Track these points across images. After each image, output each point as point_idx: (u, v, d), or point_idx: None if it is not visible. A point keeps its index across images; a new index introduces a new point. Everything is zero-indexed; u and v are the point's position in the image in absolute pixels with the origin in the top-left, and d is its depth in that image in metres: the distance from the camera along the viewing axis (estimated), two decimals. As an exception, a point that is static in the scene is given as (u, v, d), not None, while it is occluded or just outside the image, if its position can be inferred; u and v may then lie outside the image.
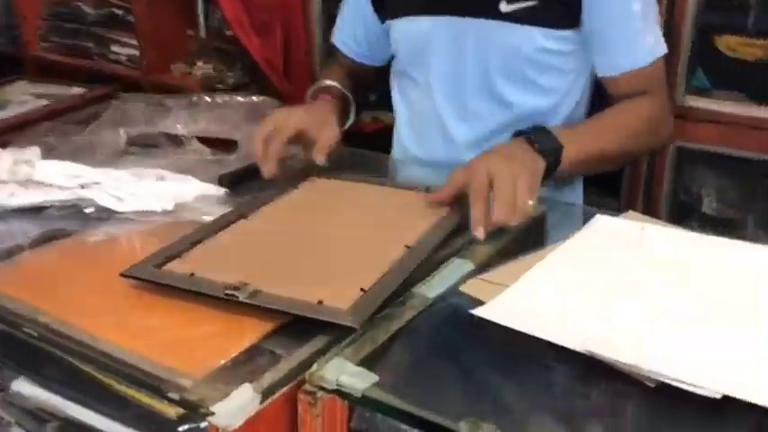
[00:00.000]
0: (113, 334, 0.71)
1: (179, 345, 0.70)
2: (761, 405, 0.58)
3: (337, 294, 0.72)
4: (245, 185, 1.05)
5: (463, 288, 0.78)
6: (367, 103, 1.39)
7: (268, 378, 0.64)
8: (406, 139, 1.26)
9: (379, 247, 0.84)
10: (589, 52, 1.10)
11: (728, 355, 0.65)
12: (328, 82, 1.19)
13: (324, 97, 1.17)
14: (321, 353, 0.67)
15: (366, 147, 1.58)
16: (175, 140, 1.19)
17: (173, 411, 0.63)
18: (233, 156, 1.14)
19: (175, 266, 0.80)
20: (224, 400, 0.61)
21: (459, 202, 0.92)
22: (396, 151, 1.31)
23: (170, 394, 0.62)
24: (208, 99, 1.33)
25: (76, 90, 1.46)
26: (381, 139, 1.52)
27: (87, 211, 0.97)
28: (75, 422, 0.73)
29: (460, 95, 1.15)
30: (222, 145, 1.18)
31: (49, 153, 1.07)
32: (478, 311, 0.72)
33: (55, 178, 0.98)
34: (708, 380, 0.60)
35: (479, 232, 0.86)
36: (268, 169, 1.02)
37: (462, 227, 0.89)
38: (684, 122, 1.49)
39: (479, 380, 0.66)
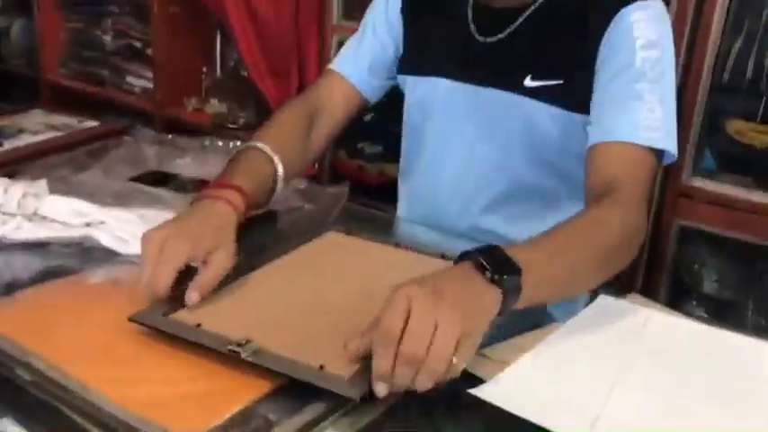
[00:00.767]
0: (107, 384, 0.70)
1: (173, 401, 0.69)
2: None
3: (340, 360, 0.72)
4: (256, 235, 1.04)
5: (462, 363, 0.77)
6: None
7: (258, 447, 0.63)
8: (410, 198, 1.26)
9: None
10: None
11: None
12: (259, 145, 1.02)
13: (228, 195, 0.91)
14: (315, 423, 0.67)
15: (370, 199, 1.60)
16: (183, 182, 1.20)
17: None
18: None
19: (182, 315, 0.80)
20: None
21: None
22: (400, 208, 1.31)
23: (157, 455, 0.61)
24: (219, 143, 1.33)
25: (90, 123, 1.47)
26: (386, 192, 1.53)
27: (91, 250, 0.97)
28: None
29: (469, 161, 1.15)
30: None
31: (57, 186, 1.07)
32: (478, 391, 0.71)
33: (61, 215, 0.98)
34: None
35: (380, 389, 0.67)
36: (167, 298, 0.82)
37: None
38: (689, 203, 1.50)
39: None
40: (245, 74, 2.21)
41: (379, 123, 2.00)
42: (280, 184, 1.03)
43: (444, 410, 0.72)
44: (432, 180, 1.21)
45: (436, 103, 1.16)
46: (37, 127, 1.43)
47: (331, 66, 1.25)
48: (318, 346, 0.75)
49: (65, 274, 0.93)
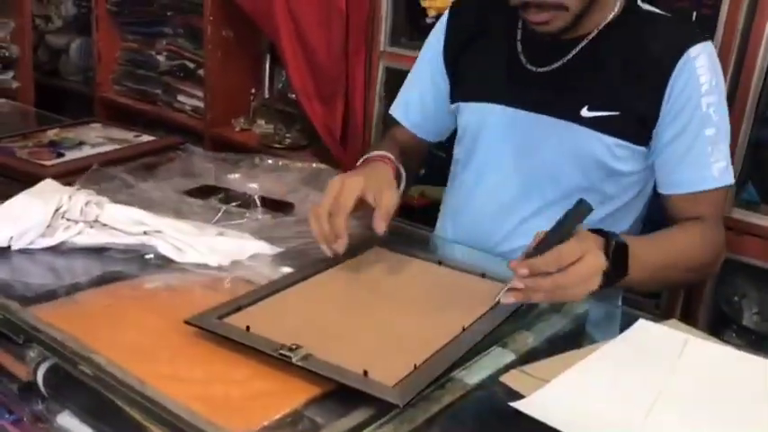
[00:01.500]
0: (162, 382, 0.73)
1: (225, 399, 0.73)
2: None
3: (386, 368, 0.75)
4: (302, 248, 1.07)
5: (503, 378, 0.80)
6: (416, 177, 1.41)
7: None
8: (454, 218, 1.28)
9: (434, 325, 0.86)
10: (652, 169, 1.12)
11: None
12: (382, 152, 1.17)
13: (382, 159, 1.15)
14: (360, 428, 0.69)
15: (412, 219, 1.63)
16: (236, 197, 1.24)
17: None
18: (290, 217, 1.18)
19: (234, 320, 0.84)
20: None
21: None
22: (441, 228, 1.33)
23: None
24: (269, 161, 1.38)
25: (146, 137, 1.53)
26: (427, 214, 1.56)
27: (147, 257, 1.01)
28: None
29: (516, 186, 1.17)
30: (278, 206, 1.22)
31: (116, 197, 1.12)
32: (519, 404, 0.73)
33: (121, 223, 1.03)
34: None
35: (507, 299, 0.87)
36: (334, 249, 0.99)
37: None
38: (730, 234, 1.49)
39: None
40: (293, 96, 2.27)
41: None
42: (402, 184, 1.16)
43: (485, 422, 0.74)
44: (477, 202, 1.23)
45: (488, 128, 1.19)
46: (96, 140, 1.50)
47: (391, 110, 1.34)
48: (363, 354, 0.78)
49: (122, 279, 0.97)
